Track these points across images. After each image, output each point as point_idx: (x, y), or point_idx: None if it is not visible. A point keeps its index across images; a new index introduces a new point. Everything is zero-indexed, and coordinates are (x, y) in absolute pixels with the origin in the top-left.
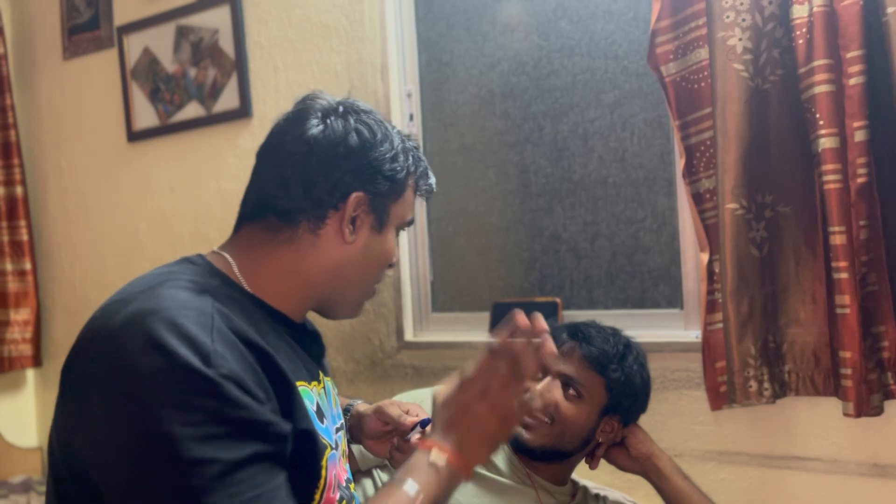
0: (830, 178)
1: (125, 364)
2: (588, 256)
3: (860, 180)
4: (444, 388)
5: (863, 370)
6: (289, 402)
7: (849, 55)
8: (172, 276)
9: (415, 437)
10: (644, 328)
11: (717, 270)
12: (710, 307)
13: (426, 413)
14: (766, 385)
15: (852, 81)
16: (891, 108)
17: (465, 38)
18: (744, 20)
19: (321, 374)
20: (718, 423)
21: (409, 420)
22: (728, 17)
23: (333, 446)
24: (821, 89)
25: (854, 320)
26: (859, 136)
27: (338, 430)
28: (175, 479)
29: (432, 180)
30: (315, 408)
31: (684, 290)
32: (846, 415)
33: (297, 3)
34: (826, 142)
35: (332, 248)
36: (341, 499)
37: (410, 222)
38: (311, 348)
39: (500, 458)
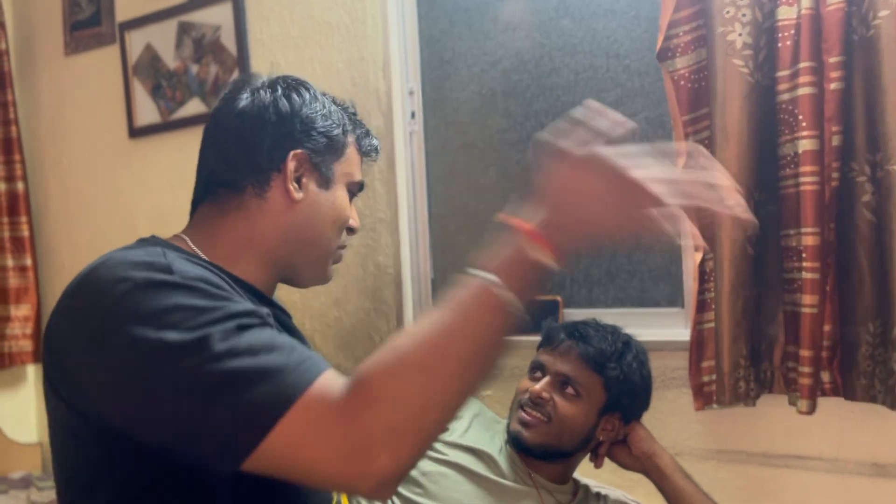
0: (808, 181)
1: (91, 307)
2: (588, 255)
3: (834, 184)
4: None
5: (818, 369)
6: None
7: (831, 60)
8: (124, 247)
9: None
10: (644, 327)
11: (707, 270)
12: (701, 306)
13: None
14: (753, 385)
15: (833, 86)
16: (877, 112)
17: (467, 35)
18: (744, 15)
19: None
20: (718, 421)
21: None
22: (728, 12)
23: None
24: (804, 91)
25: (819, 320)
26: (836, 141)
27: None
28: (185, 369)
29: (375, 141)
30: None
31: (685, 288)
32: (800, 412)
33: (299, 1)
34: (806, 143)
35: (281, 210)
36: None
37: (361, 185)
38: (282, 321)
39: (502, 459)
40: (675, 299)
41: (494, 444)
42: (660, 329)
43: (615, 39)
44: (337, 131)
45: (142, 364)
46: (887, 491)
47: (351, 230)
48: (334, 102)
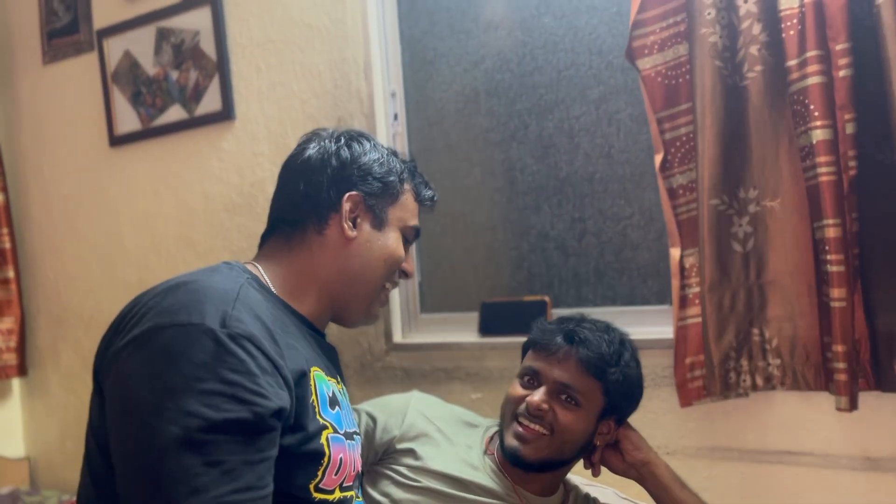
0: (824, 171)
1: (150, 322)
2: (576, 254)
3: (852, 172)
4: None
5: (856, 364)
6: (298, 378)
7: (837, 47)
8: (211, 268)
9: None
10: (633, 325)
11: (687, 266)
12: (683, 302)
13: None
14: (745, 377)
15: (842, 73)
16: (875, 102)
17: (449, 35)
18: (723, 17)
19: (339, 379)
20: (710, 419)
21: None
22: (709, 13)
23: (340, 432)
24: (814, 80)
25: (849, 314)
26: (849, 129)
27: (356, 433)
28: (161, 422)
29: (431, 191)
30: (330, 394)
31: (673, 286)
32: (839, 409)
33: (278, 3)
34: (819, 133)
35: (338, 246)
36: (349, 487)
37: (417, 231)
38: (331, 356)
39: (481, 476)
40: (663, 296)
41: (471, 458)
42: (649, 327)
43: (597, 36)
44: (392, 178)
45: (144, 394)
46: (880, 484)
47: (404, 273)
48: (394, 154)
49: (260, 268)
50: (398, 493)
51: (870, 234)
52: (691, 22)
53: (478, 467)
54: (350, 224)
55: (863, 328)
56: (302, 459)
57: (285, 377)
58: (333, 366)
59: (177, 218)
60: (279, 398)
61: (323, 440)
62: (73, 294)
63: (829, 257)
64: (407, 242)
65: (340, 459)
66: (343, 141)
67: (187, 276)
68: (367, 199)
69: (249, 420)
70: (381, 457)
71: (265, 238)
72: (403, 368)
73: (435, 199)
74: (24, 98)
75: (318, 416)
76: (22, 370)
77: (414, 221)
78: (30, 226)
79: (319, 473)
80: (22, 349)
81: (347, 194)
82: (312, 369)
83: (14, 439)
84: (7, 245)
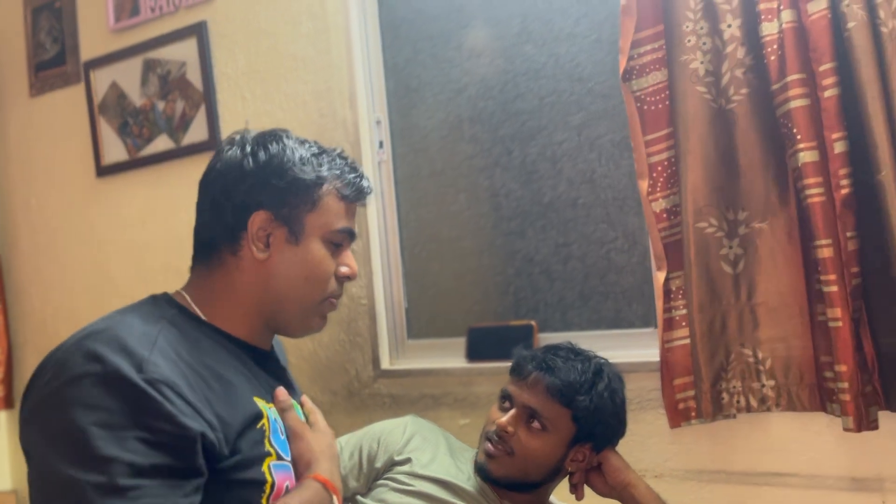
0: (813, 192)
1: (63, 376)
2: (561, 278)
3: (844, 191)
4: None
5: (859, 383)
6: (234, 412)
7: (821, 68)
8: (133, 307)
9: None
10: (619, 348)
11: (673, 288)
12: (668, 325)
13: None
14: (739, 398)
15: (827, 94)
16: (863, 119)
17: (432, 63)
18: (704, 44)
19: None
20: (697, 441)
21: None
22: (689, 41)
23: (286, 459)
24: (796, 104)
25: (847, 333)
26: (839, 148)
27: None
28: (82, 472)
29: (364, 183)
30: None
31: (658, 308)
32: (846, 429)
33: (263, 34)
34: (806, 156)
35: (254, 267)
36: None
37: (350, 232)
38: (276, 375)
39: (471, 487)
40: (648, 319)
41: (462, 473)
42: (634, 350)
43: (578, 63)
44: (306, 185)
45: (60, 440)
46: None
47: (345, 278)
48: (315, 151)
49: (188, 296)
50: (393, 498)
51: (870, 253)
52: (671, 49)
53: (469, 479)
54: (261, 244)
55: (870, 347)
56: (243, 486)
57: (207, 419)
58: (282, 384)
59: (164, 247)
60: (200, 425)
61: (265, 468)
62: (60, 325)
63: (824, 277)
64: (338, 247)
65: (286, 487)
66: (248, 149)
67: (101, 323)
68: (278, 214)
69: (175, 465)
70: (382, 472)
71: (192, 264)
72: (391, 395)
73: (368, 191)
74: (11, 130)
75: (265, 442)
76: (8, 402)
77: (341, 224)
78: (17, 257)
79: (264, 501)
80: (9, 381)
81: (253, 214)
82: (255, 399)
83: (1, 472)
84: None
